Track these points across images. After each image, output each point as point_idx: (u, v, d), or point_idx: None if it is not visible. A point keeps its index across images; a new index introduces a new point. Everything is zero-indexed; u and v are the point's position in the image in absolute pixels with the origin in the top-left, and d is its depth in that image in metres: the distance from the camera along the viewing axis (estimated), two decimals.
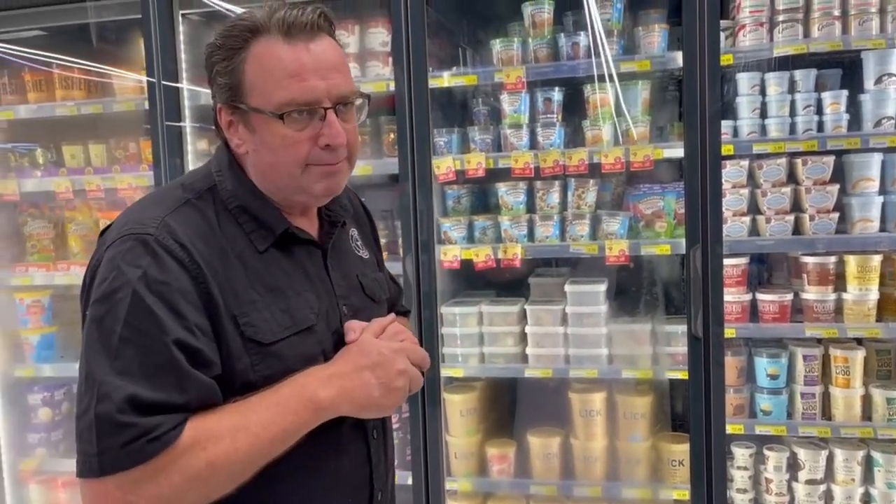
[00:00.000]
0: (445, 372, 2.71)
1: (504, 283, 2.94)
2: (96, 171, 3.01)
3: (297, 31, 1.18)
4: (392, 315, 1.35)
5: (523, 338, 2.71)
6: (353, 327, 1.26)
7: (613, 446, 2.69)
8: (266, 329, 1.18)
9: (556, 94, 2.64)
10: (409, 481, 2.64)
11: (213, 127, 1.27)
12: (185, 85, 2.72)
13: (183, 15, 2.70)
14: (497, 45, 2.64)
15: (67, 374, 3.08)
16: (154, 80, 2.66)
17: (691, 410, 2.39)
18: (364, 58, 2.76)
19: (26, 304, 3.14)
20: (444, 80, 2.61)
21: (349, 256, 1.40)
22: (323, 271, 1.31)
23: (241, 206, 1.23)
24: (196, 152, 2.83)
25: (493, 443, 2.78)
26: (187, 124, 2.73)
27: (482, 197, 2.89)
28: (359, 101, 1.27)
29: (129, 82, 2.95)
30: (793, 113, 2.46)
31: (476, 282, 2.95)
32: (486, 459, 2.77)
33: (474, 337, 2.74)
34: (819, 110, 2.45)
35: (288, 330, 1.20)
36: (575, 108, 2.70)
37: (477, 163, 2.63)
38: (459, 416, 2.75)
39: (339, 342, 1.27)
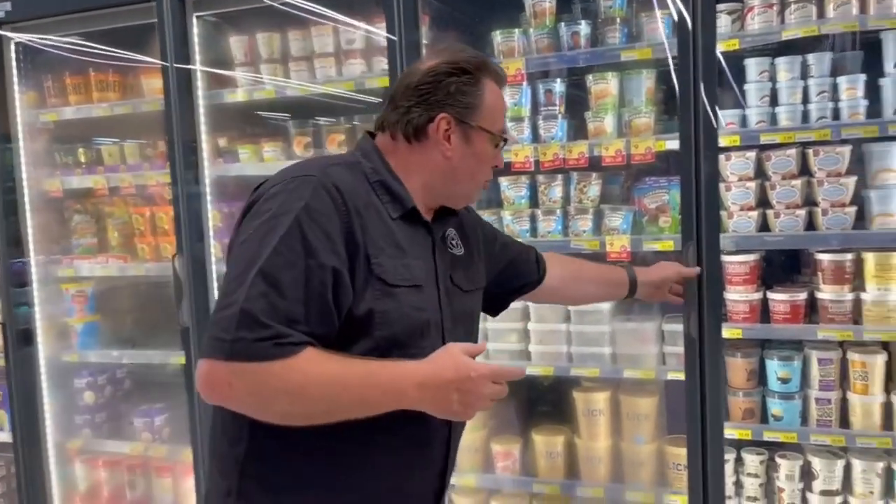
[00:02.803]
0: None
1: None
2: (129, 169, 3.17)
3: (502, 82, 1.58)
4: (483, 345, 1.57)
5: (527, 334, 2.67)
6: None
7: (617, 447, 2.62)
8: (391, 272, 1.39)
9: (558, 86, 2.57)
10: None
11: (409, 129, 1.48)
12: (197, 66, 2.82)
13: (197, 17, 2.80)
14: (497, 37, 2.59)
15: (109, 361, 3.28)
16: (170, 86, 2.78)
17: (687, 414, 2.29)
18: (371, 53, 2.79)
19: (71, 294, 3.35)
20: None
21: (445, 251, 1.60)
22: (430, 253, 1.52)
23: (381, 180, 1.46)
24: (212, 150, 2.94)
25: (498, 439, 2.76)
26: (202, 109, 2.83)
27: (494, 191, 2.85)
28: None
29: (156, 84, 3.07)
30: (805, 100, 2.30)
31: None
32: (491, 456, 2.75)
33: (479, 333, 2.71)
34: (834, 97, 2.28)
35: (406, 281, 1.41)
36: (580, 101, 2.62)
37: None
38: None
39: (438, 315, 1.49)
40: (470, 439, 2.75)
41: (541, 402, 2.87)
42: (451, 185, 1.54)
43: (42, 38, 3.11)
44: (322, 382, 1.26)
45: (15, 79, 3.17)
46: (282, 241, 1.28)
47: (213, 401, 1.30)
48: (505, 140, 1.59)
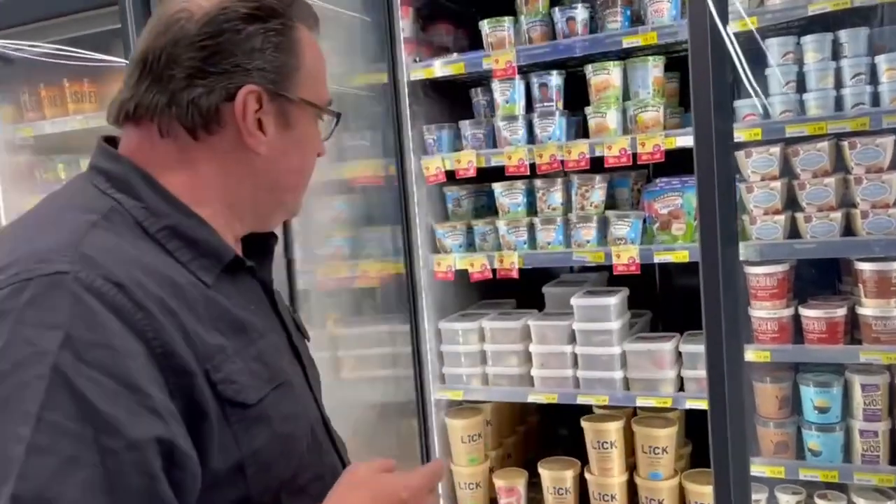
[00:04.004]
0: (443, 395, 2.46)
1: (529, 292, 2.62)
2: None
3: (316, 26, 1.02)
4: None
5: (529, 357, 2.39)
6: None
7: (633, 483, 2.32)
8: (247, 384, 0.87)
9: (555, 79, 2.29)
10: None
11: (194, 116, 0.91)
12: None
13: None
14: (486, 27, 2.33)
15: None
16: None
17: (714, 448, 1.99)
18: None
19: None
20: (436, 69, 2.35)
21: (277, 300, 1.09)
22: (271, 310, 1.02)
23: (168, 226, 0.90)
24: None
25: (500, 473, 2.49)
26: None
27: (491, 199, 2.58)
28: None
29: None
30: (839, 84, 1.99)
31: (502, 290, 2.64)
32: (493, 491, 2.48)
33: (476, 355, 2.45)
34: (873, 79, 1.96)
35: (268, 382, 0.91)
36: (581, 95, 2.34)
37: (468, 161, 2.34)
38: (461, 442, 2.47)
39: (314, 406, 1.03)
40: (468, 473, 2.49)
41: (548, 430, 2.59)
42: (269, 196, 1.00)
43: (13, 45, 2.95)
44: None
45: None
46: (39, 425, 0.70)
47: None
48: (338, 117, 1.04)
